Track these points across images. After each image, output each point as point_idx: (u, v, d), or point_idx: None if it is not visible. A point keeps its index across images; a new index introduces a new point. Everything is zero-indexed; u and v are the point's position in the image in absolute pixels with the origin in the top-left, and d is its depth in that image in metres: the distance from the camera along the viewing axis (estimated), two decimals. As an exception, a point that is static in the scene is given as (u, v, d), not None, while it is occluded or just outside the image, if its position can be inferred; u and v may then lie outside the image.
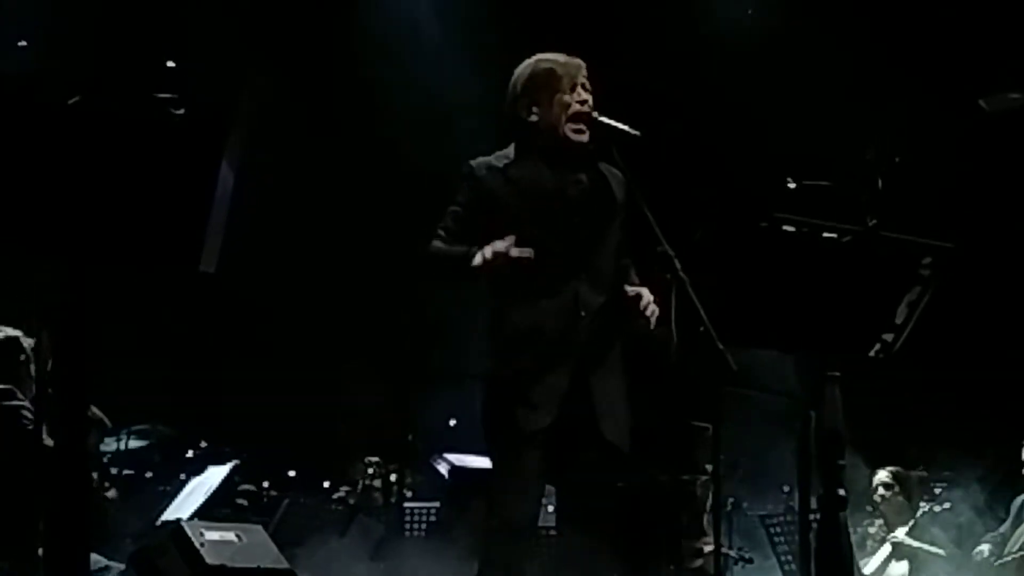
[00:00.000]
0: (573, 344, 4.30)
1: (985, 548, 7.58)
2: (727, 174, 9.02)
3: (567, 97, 4.41)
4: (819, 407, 3.97)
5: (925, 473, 8.08)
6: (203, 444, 9.21)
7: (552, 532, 5.08)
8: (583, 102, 4.42)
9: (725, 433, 5.33)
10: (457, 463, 7.32)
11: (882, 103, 9.20)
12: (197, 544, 5.85)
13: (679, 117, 9.31)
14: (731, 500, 7.58)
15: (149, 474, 8.92)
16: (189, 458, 8.90)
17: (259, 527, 6.44)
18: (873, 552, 7.99)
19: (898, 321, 4.01)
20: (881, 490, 7.94)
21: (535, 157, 4.43)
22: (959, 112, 8.45)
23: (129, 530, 7.17)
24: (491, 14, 9.84)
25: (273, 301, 10.37)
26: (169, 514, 7.23)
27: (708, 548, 6.32)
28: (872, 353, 4.05)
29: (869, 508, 8.05)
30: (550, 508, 4.84)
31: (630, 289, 4.35)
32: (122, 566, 6.18)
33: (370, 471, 9.37)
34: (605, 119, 4.41)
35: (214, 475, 7.59)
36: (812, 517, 4.04)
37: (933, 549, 7.65)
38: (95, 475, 6.91)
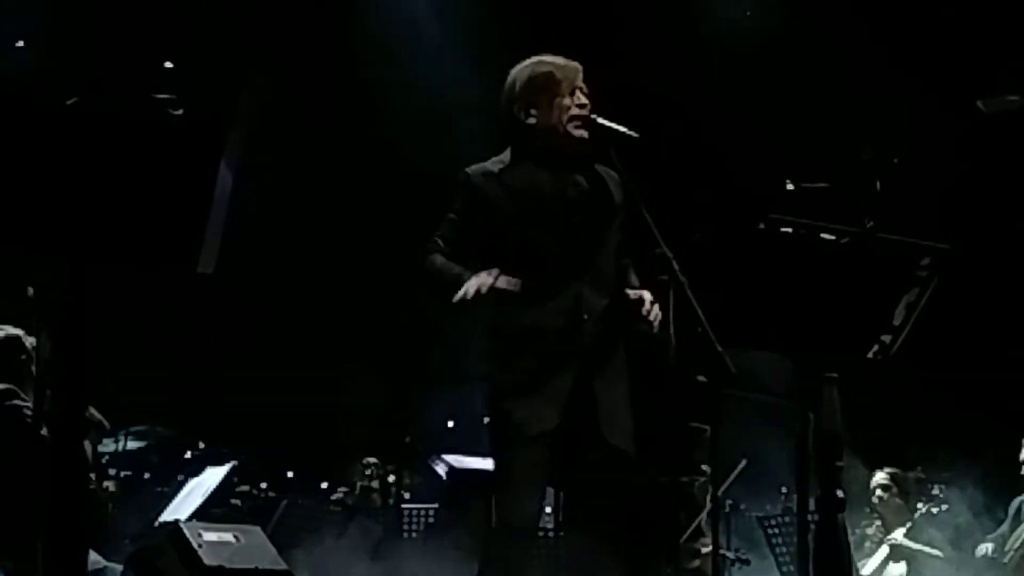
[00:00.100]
0: (576, 346, 4.30)
1: (988, 546, 7.59)
2: (726, 175, 9.02)
3: (567, 101, 4.41)
4: (817, 408, 3.97)
5: (923, 475, 8.07)
6: (201, 445, 9.21)
7: (550, 533, 5.08)
8: (582, 106, 4.42)
9: (724, 434, 5.33)
10: (455, 464, 7.31)
11: (881, 104, 9.20)
12: (195, 545, 5.85)
13: (679, 117, 9.32)
14: (729, 501, 7.57)
15: (147, 475, 8.92)
16: (187, 459, 8.90)
17: (257, 528, 6.43)
18: (871, 553, 7.99)
19: (896, 322, 4.01)
20: (879, 491, 7.94)
21: (532, 160, 4.43)
22: (958, 113, 8.44)
23: (127, 531, 7.16)
24: (491, 14, 9.84)
25: (272, 301, 10.38)
26: (167, 515, 7.22)
27: (706, 549, 6.32)
28: (870, 354, 4.05)
29: (867, 509, 8.05)
30: (547, 509, 4.84)
31: (632, 293, 4.35)
32: (120, 567, 6.18)
33: (368, 472, 9.38)
34: (604, 121, 4.41)
35: (212, 476, 7.59)
36: (810, 518, 4.04)
37: (931, 550, 7.65)
38: (92, 475, 6.90)
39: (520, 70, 4.48)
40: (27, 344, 5.73)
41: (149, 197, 3.07)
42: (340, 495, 9.33)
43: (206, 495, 7.33)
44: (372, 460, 9.39)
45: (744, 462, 7.24)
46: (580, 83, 4.45)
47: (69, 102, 3.05)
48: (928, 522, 7.75)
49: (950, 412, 9.43)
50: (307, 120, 10.27)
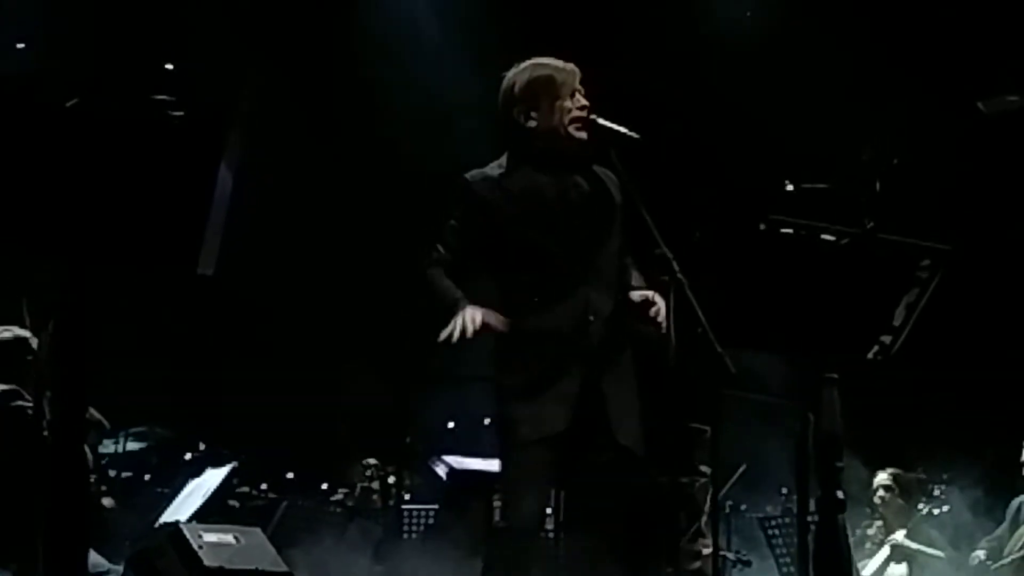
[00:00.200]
0: (583, 348, 4.29)
1: (981, 553, 7.59)
2: (726, 175, 9.02)
3: (567, 103, 4.41)
4: (817, 409, 3.97)
5: (924, 475, 8.07)
6: (201, 446, 9.21)
7: (550, 534, 5.08)
8: (583, 107, 4.42)
9: (724, 435, 5.33)
10: (455, 465, 7.31)
11: (881, 104, 9.20)
12: (195, 546, 5.85)
13: (679, 118, 9.32)
14: (729, 502, 7.58)
15: (147, 476, 8.92)
16: (187, 460, 8.90)
17: (257, 529, 6.44)
18: (872, 554, 7.99)
19: (896, 323, 4.01)
20: (880, 492, 7.94)
21: (532, 163, 4.43)
22: (957, 114, 8.44)
23: (127, 532, 7.16)
24: (491, 14, 9.84)
25: (272, 302, 10.38)
26: (167, 516, 7.22)
27: (707, 551, 6.32)
28: (870, 355, 4.05)
29: (868, 510, 8.05)
30: (547, 510, 4.84)
31: (637, 294, 4.34)
32: (120, 568, 6.18)
33: (368, 473, 9.38)
34: (604, 122, 4.41)
35: (212, 477, 7.59)
36: (810, 519, 4.04)
37: (932, 551, 7.65)
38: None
39: (518, 73, 4.47)
40: (34, 345, 5.73)
41: (149, 197, 3.07)
42: (340, 496, 9.32)
43: (206, 496, 7.33)
44: (372, 461, 9.39)
45: (744, 467, 7.25)
46: (578, 85, 4.45)
47: (69, 103, 3.05)
48: (929, 523, 7.75)
49: (950, 412, 9.43)
50: (307, 120, 10.27)
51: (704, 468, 6.42)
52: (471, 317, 4.23)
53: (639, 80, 9.14)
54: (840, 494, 3.98)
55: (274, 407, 10.23)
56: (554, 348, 4.29)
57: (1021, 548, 7.39)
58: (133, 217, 3.07)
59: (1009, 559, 7.40)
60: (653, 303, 4.31)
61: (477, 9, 10.02)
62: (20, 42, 8.46)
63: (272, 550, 6.21)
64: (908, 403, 9.51)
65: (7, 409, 5.63)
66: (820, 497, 3.98)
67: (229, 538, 6.03)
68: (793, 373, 4.22)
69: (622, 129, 4.40)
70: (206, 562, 5.80)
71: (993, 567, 7.47)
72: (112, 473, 8.27)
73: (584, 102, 4.43)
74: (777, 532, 7.21)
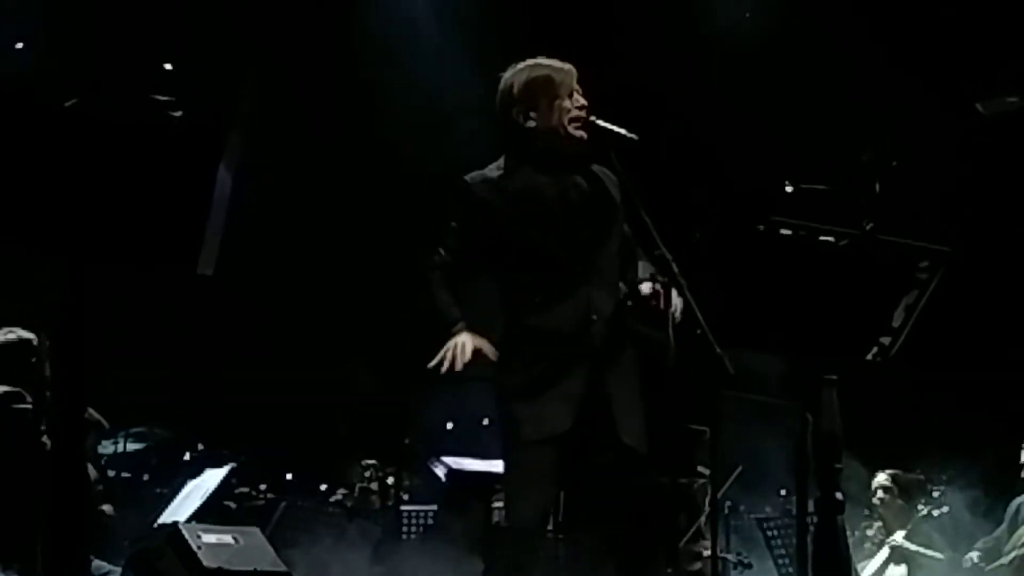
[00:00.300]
0: (586, 348, 4.29)
1: (975, 555, 7.59)
2: (726, 176, 9.02)
3: (566, 103, 4.41)
4: (816, 410, 3.97)
5: (923, 476, 8.07)
6: (200, 447, 9.21)
7: (550, 534, 5.08)
8: (582, 107, 4.42)
9: (723, 436, 5.33)
10: (454, 466, 7.31)
11: (881, 104, 9.20)
12: (194, 547, 5.85)
13: (679, 118, 9.32)
14: (728, 503, 7.57)
15: (146, 477, 8.92)
16: (186, 461, 8.90)
17: (256, 530, 6.44)
18: (871, 555, 7.99)
19: (895, 324, 4.01)
20: (880, 493, 7.93)
21: (532, 164, 4.43)
22: (957, 115, 8.45)
23: (126, 533, 7.16)
24: (491, 15, 9.84)
25: (272, 302, 10.39)
26: (166, 517, 7.22)
27: (707, 552, 6.32)
28: (869, 356, 4.05)
29: (866, 511, 8.05)
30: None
31: (646, 286, 4.33)
32: (120, 569, 6.18)
33: (367, 474, 9.38)
34: (603, 122, 4.41)
35: (211, 478, 7.59)
36: (809, 520, 4.04)
37: (931, 552, 7.65)
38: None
39: (516, 73, 4.46)
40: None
41: (149, 198, 3.07)
42: (339, 496, 9.33)
43: (205, 497, 7.33)
44: (371, 462, 9.39)
45: (740, 468, 7.24)
46: (576, 85, 4.45)
47: (69, 103, 3.05)
48: (928, 524, 7.75)
49: (950, 412, 9.43)
50: (307, 121, 10.28)
51: (702, 469, 6.43)
52: (461, 348, 4.26)
53: (639, 80, 9.15)
54: (839, 495, 3.98)
55: (274, 407, 10.23)
56: (557, 348, 4.28)
57: (1022, 547, 7.39)
58: (133, 217, 3.07)
59: (1008, 559, 7.40)
60: (660, 294, 4.29)
61: (477, 10, 10.02)
62: (20, 42, 8.46)
63: (271, 551, 6.21)
64: (908, 403, 9.51)
65: (9, 412, 5.62)
66: (819, 498, 3.98)
67: (228, 539, 6.03)
68: (792, 374, 4.22)
69: (620, 130, 4.40)
70: (205, 563, 5.80)
71: (988, 568, 7.47)
72: (111, 473, 8.26)
73: (583, 101, 4.43)
74: (776, 533, 7.20)
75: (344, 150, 10.38)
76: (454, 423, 9.76)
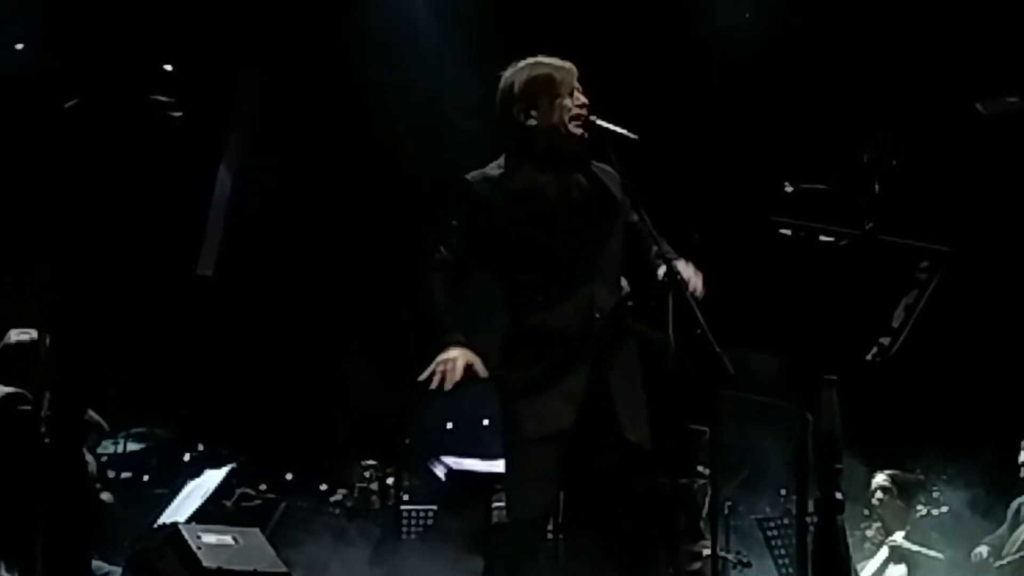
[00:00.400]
0: (589, 346, 4.29)
1: (984, 549, 7.58)
2: (726, 176, 9.02)
3: (567, 101, 4.41)
4: (816, 410, 3.97)
5: (922, 476, 8.07)
6: (200, 447, 9.21)
7: (550, 534, 5.07)
8: (582, 105, 4.42)
9: (723, 436, 5.33)
10: (454, 466, 7.30)
11: (881, 105, 9.20)
12: (194, 547, 5.85)
13: (679, 118, 9.32)
14: (728, 503, 7.57)
15: (146, 477, 8.91)
16: (186, 461, 8.89)
17: (256, 530, 6.43)
18: (871, 555, 7.99)
19: (895, 325, 4.01)
20: (879, 493, 7.93)
21: (532, 162, 4.43)
22: (957, 115, 8.45)
23: (126, 533, 7.16)
24: (491, 15, 9.84)
25: (272, 303, 10.38)
26: (166, 517, 7.22)
27: (706, 552, 6.32)
28: (869, 357, 4.05)
29: (866, 511, 8.04)
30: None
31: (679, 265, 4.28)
32: (119, 569, 6.18)
33: (367, 474, 9.37)
34: (603, 122, 4.41)
35: (211, 478, 7.59)
36: (809, 520, 4.04)
37: (931, 552, 7.64)
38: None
39: (516, 72, 4.47)
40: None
41: (149, 198, 3.07)
42: (339, 497, 9.32)
43: (205, 497, 7.33)
44: (371, 462, 9.38)
45: (745, 472, 7.23)
46: (577, 83, 4.46)
47: (68, 104, 3.05)
48: (928, 524, 7.75)
49: (949, 412, 9.43)
50: (307, 122, 10.27)
51: (702, 469, 6.43)
52: (452, 365, 4.25)
53: (639, 80, 9.15)
54: (839, 495, 3.98)
55: (273, 407, 10.22)
56: (560, 347, 4.28)
57: (1019, 549, 7.38)
58: (133, 218, 3.07)
59: (1008, 560, 7.40)
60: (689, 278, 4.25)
61: (477, 10, 10.02)
62: (20, 42, 8.46)
63: (271, 551, 6.21)
64: (908, 404, 9.51)
65: (11, 413, 5.62)
66: (819, 498, 3.98)
67: (228, 539, 6.03)
68: (792, 374, 4.22)
69: (620, 130, 4.40)
70: (205, 563, 5.80)
71: (995, 564, 7.47)
72: (112, 474, 8.26)
73: (584, 100, 4.43)
74: (776, 533, 7.20)
75: (344, 150, 10.37)
76: (454, 423, 9.76)
